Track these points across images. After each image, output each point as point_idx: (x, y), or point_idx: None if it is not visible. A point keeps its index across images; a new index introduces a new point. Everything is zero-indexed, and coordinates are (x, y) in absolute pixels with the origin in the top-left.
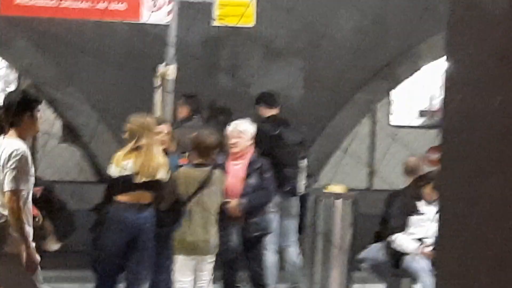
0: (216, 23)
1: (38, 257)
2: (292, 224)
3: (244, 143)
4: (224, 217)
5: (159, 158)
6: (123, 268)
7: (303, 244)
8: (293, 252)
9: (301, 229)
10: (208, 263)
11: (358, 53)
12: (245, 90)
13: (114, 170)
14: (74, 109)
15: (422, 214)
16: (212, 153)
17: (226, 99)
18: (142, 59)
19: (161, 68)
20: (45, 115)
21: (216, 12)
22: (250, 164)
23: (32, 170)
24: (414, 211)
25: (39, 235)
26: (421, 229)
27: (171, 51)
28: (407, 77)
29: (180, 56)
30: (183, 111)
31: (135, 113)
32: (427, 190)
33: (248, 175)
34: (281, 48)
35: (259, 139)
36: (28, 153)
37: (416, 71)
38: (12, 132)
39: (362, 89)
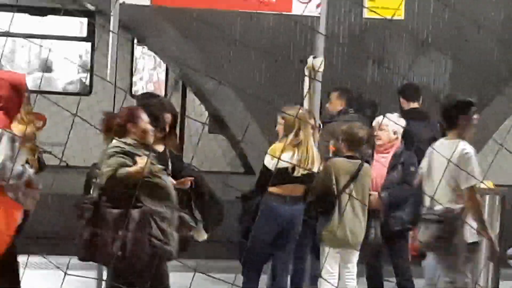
0: (367, 14)
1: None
2: None
3: (387, 136)
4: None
5: (315, 151)
6: (268, 259)
7: None
8: None
9: None
10: (355, 255)
11: (508, 45)
12: (392, 83)
13: (270, 162)
14: (221, 99)
15: None
16: (362, 146)
17: (373, 91)
18: (290, 50)
19: (310, 60)
20: (193, 105)
21: (366, 4)
22: (394, 157)
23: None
24: None
25: (187, 225)
26: None
27: (320, 43)
28: None
29: (328, 48)
30: (338, 104)
31: (286, 105)
32: None
33: (391, 169)
34: (430, 39)
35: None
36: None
37: None
38: (452, 134)
39: None
